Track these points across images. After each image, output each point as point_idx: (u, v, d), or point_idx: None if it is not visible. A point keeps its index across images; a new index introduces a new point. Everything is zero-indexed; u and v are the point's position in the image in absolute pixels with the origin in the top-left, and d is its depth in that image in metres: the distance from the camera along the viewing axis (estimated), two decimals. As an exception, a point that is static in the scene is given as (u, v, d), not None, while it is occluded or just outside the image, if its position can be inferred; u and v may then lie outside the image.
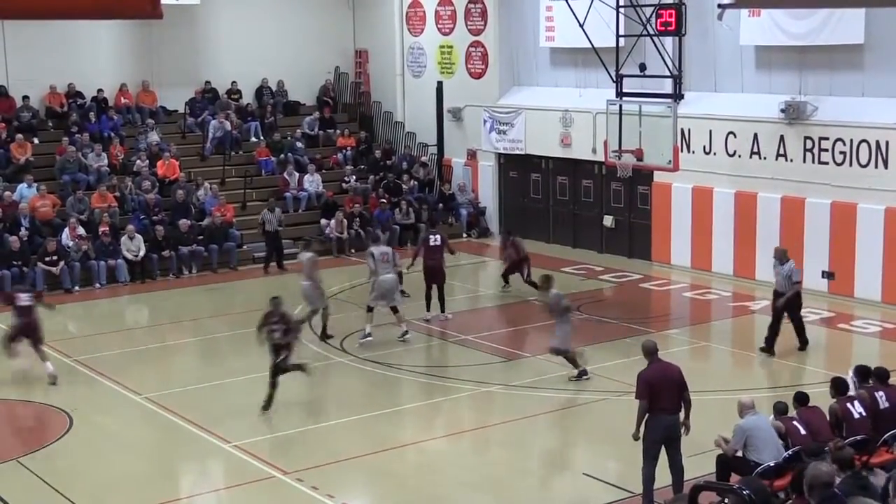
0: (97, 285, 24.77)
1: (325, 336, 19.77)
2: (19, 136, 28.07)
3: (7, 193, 26.08)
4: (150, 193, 27.43)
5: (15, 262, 24.29)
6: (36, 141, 28.41)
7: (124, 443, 15.48)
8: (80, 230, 25.43)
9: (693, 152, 24.60)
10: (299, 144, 31.10)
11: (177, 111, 31.29)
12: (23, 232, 25.14)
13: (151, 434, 15.91)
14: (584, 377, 17.10)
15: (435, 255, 21.19)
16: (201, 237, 26.51)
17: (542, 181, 29.16)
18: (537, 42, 28.62)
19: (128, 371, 18.27)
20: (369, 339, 19.39)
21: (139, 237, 25.64)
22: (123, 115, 30.14)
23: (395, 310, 19.57)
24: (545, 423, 15.86)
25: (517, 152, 29.28)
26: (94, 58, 30.25)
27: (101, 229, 25.64)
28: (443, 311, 21.19)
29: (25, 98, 29.14)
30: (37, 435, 15.98)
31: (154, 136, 29.53)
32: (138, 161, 28.46)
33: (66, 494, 13.28)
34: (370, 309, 19.57)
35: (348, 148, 31.69)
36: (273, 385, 15.89)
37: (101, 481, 13.86)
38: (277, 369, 15.98)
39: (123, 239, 25.50)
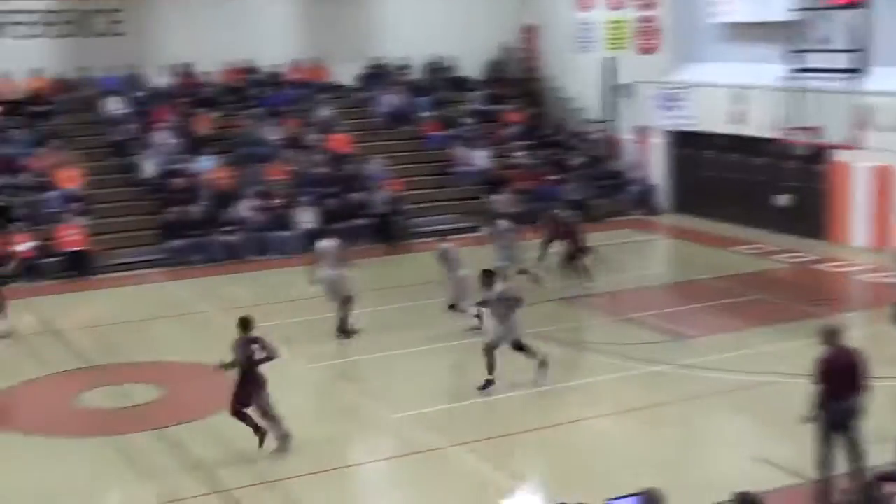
0: (271, 256, 25.45)
1: (343, 332, 18.72)
2: (200, 110, 29.05)
3: (189, 166, 27.07)
4: (322, 167, 28.01)
5: (195, 233, 25.20)
6: (215, 115, 29.33)
7: (294, 411, 15.89)
8: (257, 202, 26.17)
9: (877, 130, 23.67)
10: (468, 119, 31.25)
11: (348, 86, 31.83)
12: (202, 203, 26.04)
13: (322, 403, 16.27)
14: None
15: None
16: (370, 211, 26.94)
17: (714, 158, 28.58)
18: (708, 17, 28.03)
19: (299, 340, 18.69)
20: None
21: (311, 210, 26.23)
22: (297, 89, 30.82)
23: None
24: (715, 404, 15.59)
25: (688, 129, 28.77)
26: (269, 34, 31.02)
27: (275, 201, 26.35)
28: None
29: (206, 74, 30.10)
30: (217, 400, 16.48)
31: (326, 111, 30.11)
32: (310, 135, 29.10)
33: (231, 459, 13.69)
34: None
35: (517, 123, 31.68)
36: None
37: (269, 447, 14.23)
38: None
39: (297, 211, 26.12)
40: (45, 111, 28.33)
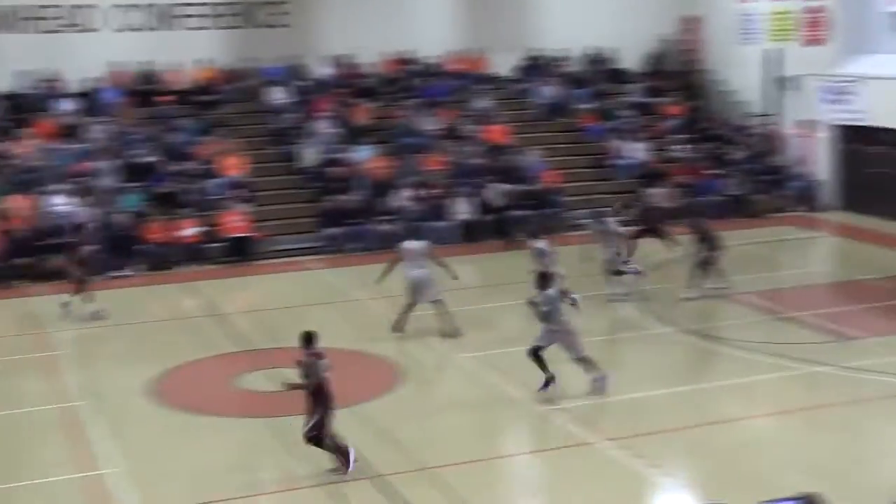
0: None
1: (398, 328, 18.39)
2: (359, 100, 29.46)
3: (347, 155, 27.49)
4: (479, 158, 28.05)
5: (351, 221, 25.56)
6: (374, 105, 29.68)
7: (449, 400, 15.97)
8: (413, 192, 26.40)
9: None
10: (626, 112, 30.88)
11: (506, 77, 31.81)
12: (360, 192, 26.40)
13: (475, 393, 16.29)
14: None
15: None
16: (527, 202, 26.85)
17: (884, 154, 27.52)
18: (881, 6, 27.00)
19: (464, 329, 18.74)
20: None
21: (467, 201, 26.30)
22: (454, 80, 30.94)
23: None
24: (882, 408, 14.99)
25: (857, 123, 27.78)
26: (428, 25, 31.25)
27: (431, 191, 26.53)
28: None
29: (365, 65, 30.50)
30: (373, 387, 16.70)
31: (483, 102, 30.16)
32: (467, 126, 29.18)
33: (385, 445, 13.83)
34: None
35: (676, 116, 31.15)
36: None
37: (422, 435, 14.34)
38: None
39: (453, 202, 26.23)
40: (212, 100, 29.16)
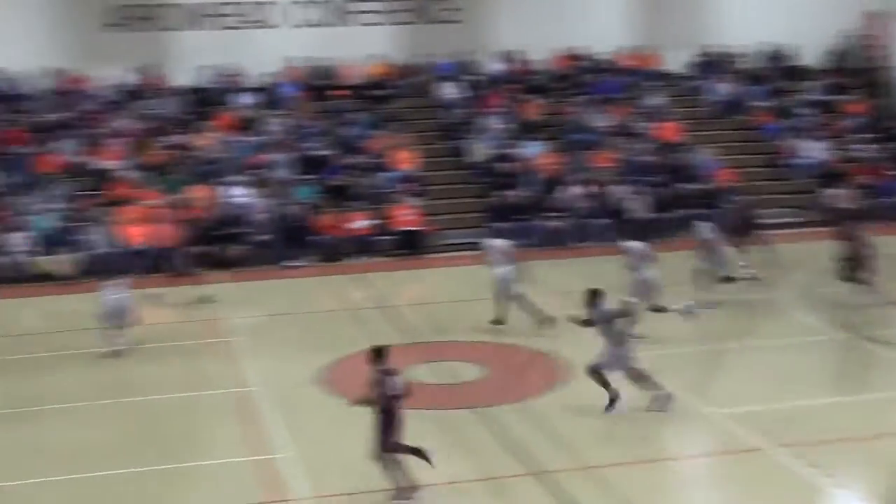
0: (592, 242, 25.43)
1: (541, 322, 18.52)
2: (530, 96, 29.44)
3: (517, 151, 27.52)
4: (650, 156, 27.70)
5: (519, 217, 25.58)
6: (544, 101, 29.62)
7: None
8: (582, 189, 26.23)
9: None
10: (805, 110, 29.99)
11: (679, 73, 31.31)
12: (528, 188, 26.39)
13: (639, 392, 16.06)
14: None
15: None
16: (698, 201, 26.38)
17: None
18: None
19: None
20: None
21: (637, 198, 26.00)
22: (626, 77, 30.61)
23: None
24: None
25: None
26: (600, 21, 31.02)
27: (600, 189, 26.32)
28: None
29: (536, 61, 30.46)
30: (538, 382, 16.68)
31: (655, 99, 29.75)
32: (639, 123, 28.84)
33: (550, 442, 13.77)
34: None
35: (858, 115, 30.09)
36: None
37: (586, 433, 14.23)
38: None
39: (621, 199, 25.97)
40: (385, 95, 29.62)
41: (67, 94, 28.40)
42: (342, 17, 30.48)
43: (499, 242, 19.14)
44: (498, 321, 18.81)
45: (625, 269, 18.44)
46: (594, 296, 14.66)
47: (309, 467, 13.17)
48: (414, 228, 25.26)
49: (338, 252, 25.12)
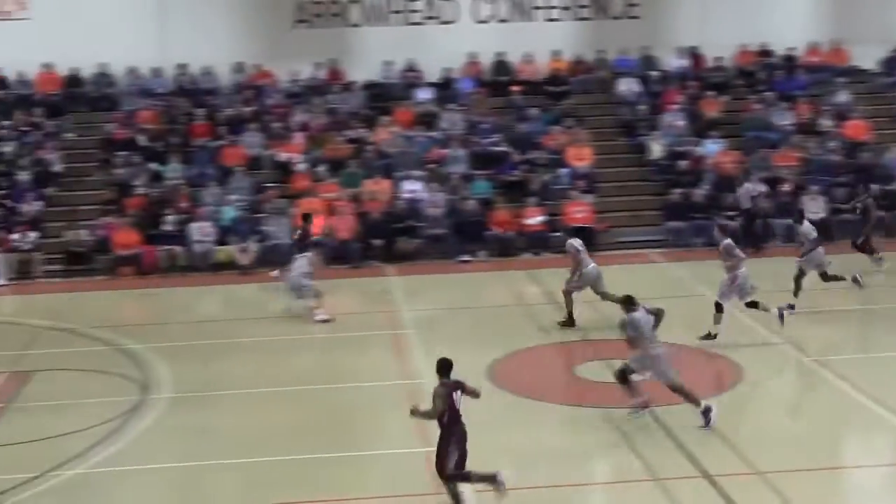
0: (776, 243, 24.73)
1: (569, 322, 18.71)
2: (709, 93, 28.86)
3: (695, 148, 27.03)
4: (836, 155, 26.78)
5: (697, 215, 25.11)
6: (724, 98, 28.98)
7: (788, 403, 15.37)
8: (762, 188, 25.56)
9: None
10: None
11: (869, 70, 30.17)
12: (706, 186, 25.88)
13: (817, 398, 15.60)
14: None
15: None
16: (888, 202, 25.36)
17: None
18: None
19: (799, 331, 18.02)
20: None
21: (821, 198, 25.19)
22: (813, 73, 29.67)
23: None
24: None
25: None
26: (784, 16, 30.17)
27: (783, 188, 25.61)
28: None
29: (717, 58, 29.82)
30: (710, 384, 16.35)
31: (843, 96, 28.74)
32: (825, 121, 27.91)
33: (724, 444, 13.47)
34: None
35: None
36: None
37: (758, 438, 13.86)
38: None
39: (804, 199, 25.17)
40: (562, 91, 29.49)
41: (252, 88, 29.28)
42: (523, 13, 30.51)
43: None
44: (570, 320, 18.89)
45: (723, 268, 17.88)
46: (628, 301, 14.35)
47: (475, 461, 13.21)
48: (587, 225, 25.08)
49: (511, 247, 25.17)
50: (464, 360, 17.16)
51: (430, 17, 30.33)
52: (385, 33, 30.03)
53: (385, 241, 24.89)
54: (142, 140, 27.55)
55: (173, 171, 26.76)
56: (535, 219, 25.46)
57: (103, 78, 29.30)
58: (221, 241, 24.96)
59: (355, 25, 30.18)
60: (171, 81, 29.43)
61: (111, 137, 27.73)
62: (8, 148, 27.30)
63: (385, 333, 19.12)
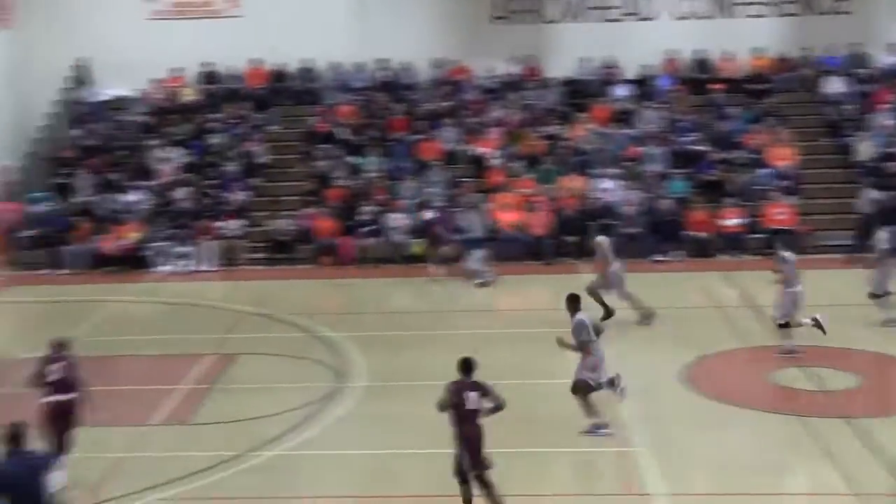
0: None
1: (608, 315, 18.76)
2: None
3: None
4: None
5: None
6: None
7: None
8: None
9: None
10: None
11: None
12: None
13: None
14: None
15: None
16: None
17: None
18: None
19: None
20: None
21: None
22: None
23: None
24: None
25: None
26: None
27: None
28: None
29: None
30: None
31: None
32: None
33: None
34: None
35: None
36: None
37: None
38: None
39: None
40: (765, 89, 28.67)
41: (449, 84, 29.57)
42: (725, 9, 29.81)
43: (607, 239, 19.48)
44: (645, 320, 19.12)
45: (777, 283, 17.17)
46: (572, 301, 14.45)
47: (663, 464, 13.01)
48: (787, 227, 24.31)
49: (708, 248, 24.66)
50: (657, 361, 17.06)
51: (629, 14, 29.98)
52: (582, 30, 29.87)
53: (579, 238, 24.75)
54: (342, 133, 28.20)
55: (371, 164, 27.32)
56: (732, 220, 24.86)
57: (307, 73, 30.15)
58: (417, 234, 25.29)
59: (552, 22, 30.12)
60: (371, 76, 30.02)
61: (313, 130, 28.51)
62: (217, 140, 28.43)
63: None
